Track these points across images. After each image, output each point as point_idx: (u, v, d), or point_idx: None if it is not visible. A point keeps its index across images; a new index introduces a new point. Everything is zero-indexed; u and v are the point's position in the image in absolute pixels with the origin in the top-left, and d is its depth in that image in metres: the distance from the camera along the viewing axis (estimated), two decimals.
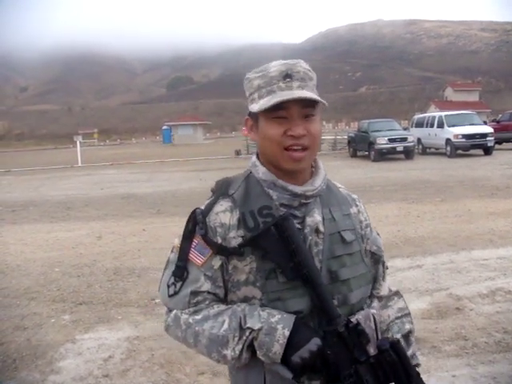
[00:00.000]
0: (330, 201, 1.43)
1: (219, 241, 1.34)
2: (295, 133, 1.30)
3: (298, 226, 1.34)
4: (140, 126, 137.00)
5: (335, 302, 1.32)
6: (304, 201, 1.37)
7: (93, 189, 17.12)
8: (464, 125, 22.66)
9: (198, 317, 1.32)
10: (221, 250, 1.33)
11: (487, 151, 22.52)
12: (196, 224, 1.37)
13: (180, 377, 3.85)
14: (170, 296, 1.37)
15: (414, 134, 24.49)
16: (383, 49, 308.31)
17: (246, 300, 1.32)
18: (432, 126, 24.38)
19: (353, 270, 1.38)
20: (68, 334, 4.79)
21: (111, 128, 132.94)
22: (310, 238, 1.34)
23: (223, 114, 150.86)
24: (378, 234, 1.57)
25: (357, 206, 1.51)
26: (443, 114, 24.89)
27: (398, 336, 1.50)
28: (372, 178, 15.79)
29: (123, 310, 5.37)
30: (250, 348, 1.27)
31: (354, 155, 26.18)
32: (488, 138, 22.20)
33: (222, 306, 1.33)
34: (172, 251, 1.43)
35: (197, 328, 1.31)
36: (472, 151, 22.81)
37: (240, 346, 1.26)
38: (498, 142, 24.95)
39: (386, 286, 1.57)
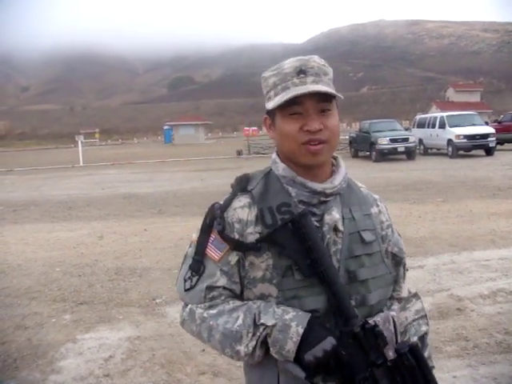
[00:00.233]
0: (351, 200, 1.42)
1: (236, 236, 1.33)
2: (311, 128, 1.29)
3: (317, 223, 1.33)
4: (141, 125, 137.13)
5: (353, 303, 1.30)
6: (323, 198, 1.36)
7: (94, 188, 17.13)
8: (465, 125, 22.65)
9: (213, 311, 1.32)
10: (238, 246, 1.33)
11: (489, 152, 22.50)
12: (214, 219, 1.36)
13: (181, 377, 3.85)
14: (186, 290, 1.37)
15: (415, 135, 24.46)
16: (385, 49, 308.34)
17: (262, 298, 1.31)
18: (434, 126, 24.36)
19: (372, 270, 1.37)
20: (69, 333, 4.79)
21: (113, 128, 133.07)
22: (328, 236, 1.33)
23: (224, 113, 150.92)
24: (400, 235, 1.55)
25: (378, 206, 1.49)
26: (445, 114, 24.87)
27: (415, 339, 1.48)
28: (373, 178, 15.78)
29: (124, 310, 5.37)
30: (264, 345, 1.26)
31: (355, 155, 26.18)
32: (489, 139, 22.19)
33: (238, 302, 1.33)
34: (190, 246, 1.43)
35: (211, 322, 1.31)
36: (474, 152, 22.79)
37: (253, 343, 1.25)
38: (500, 142, 24.94)
39: (405, 288, 1.56)
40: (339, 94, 1.31)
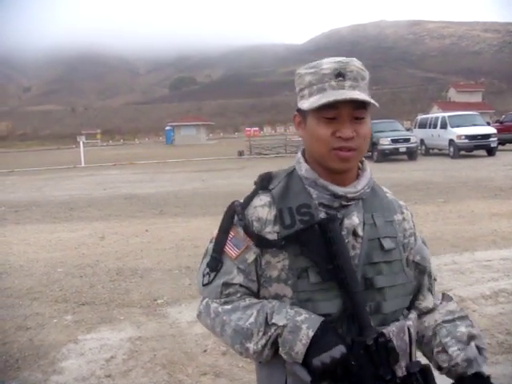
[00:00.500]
0: (374, 205, 1.40)
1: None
2: (344, 135, 1.27)
3: None
4: (143, 126, 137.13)
5: (367, 310, 1.28)
6: (344, 202, 1.34)
7: (96, 189, 17.15)
8: (467, 126, 22.65)
9: (228, 307, 1.33)
10: (261, 242, 1.32)
11: (490, 152, 22.50)
12: (233, 217, 1.36)
13: (182, 377, 3.85)
14: (204, 285, 1.38)
15: (416, 135, 24.47)
16: (386, 49, 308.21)
17: (276, 297, 1.31)
18: (435, 126, 24.36)
19: (390, 278, 1.34)
20: (70, 334, 4.80)
21: (114, 128, 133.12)
22: (347, 240, 1.31)
23: (226, 114, 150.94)
24: (425, 244, 1.51)
25: (402, 213, 1.46)
26: (446, 114, 24.87)
27: (447, 340, 1.40)
28: (375, 178, 15.50)
29: (125, 311, 5.37)
30: (274, 345, 1.26)
31: None
32: (491, 139, 22.19)
33: (254, 300, 1.33)
34: (211, 241, 1.43)
35: (224, 318, 1.32)
36: (475, 152, 22.79)
37: (263, 341, 1.25)
38: (501, 142, 24.95)
39: (430, 299, 1.50)
40: (375, 103, 1.29)
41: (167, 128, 69.59)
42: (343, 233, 1.31)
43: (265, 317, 1.26)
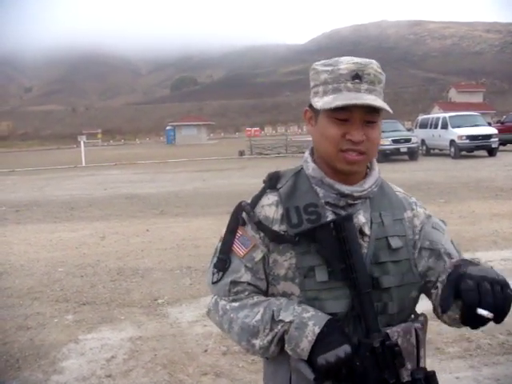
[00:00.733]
0: (382, 204, 1.39)
1: (261, 234, 1.34)
2: (354, 138, 1.26)
3: None
4: (144, 126, 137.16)
5: (375, 310, 1.27)
6: (351, 201, 1.34)
7: (96, 189, 17.15)
8: (468, 126, 22.64)
9: (235, 304, 1.34)
10: (275, 237, 1.32)
11: (491, 152, 22.49)
12: (240, 216, 1.37)
13: (183, 377, 3.85)
14: (213, 283, 1.39)
15: (417, 135, 24.47)
16: (387, 50, 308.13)
17: (284, 295, 1.32)
18: (436, 127, 24.35)
19: (397, 278, 1.32)
20: (71, 334, 4.80)
21: (115, 128, 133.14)
22: None
23: (227, 114, 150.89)
24: (438, 227, 1.43)
25: (412, 210, 1.44)
26: (447, 115, 24.86)
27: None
28: None
29: (126, 311, 5.38)
30: (281, 342, 1.26)
31: None
32: (492, 139, 22.18)
33: (262, 297, 1.34)
34: (220, 240, 1.43)
35: (232, 315, 1.33)
36: (476, 152, 22.79)
37: (270, 337, 1.26)
38: (502, 143, 24.90)
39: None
40: (389, 109, 1.27)
41: (168, 128, 69.62)
42: None
43: (271, 314, 1.26)
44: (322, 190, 1.35)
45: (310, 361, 1.20)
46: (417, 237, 1.40)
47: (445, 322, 1.32)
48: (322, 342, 1.19)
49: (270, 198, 1.37)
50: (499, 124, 27.48)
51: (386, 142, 22.38)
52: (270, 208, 1.35)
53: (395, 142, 22.40)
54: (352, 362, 1.18)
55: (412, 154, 22.88)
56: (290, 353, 1.25)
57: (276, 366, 1.36)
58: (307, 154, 1.43)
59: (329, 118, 1.29)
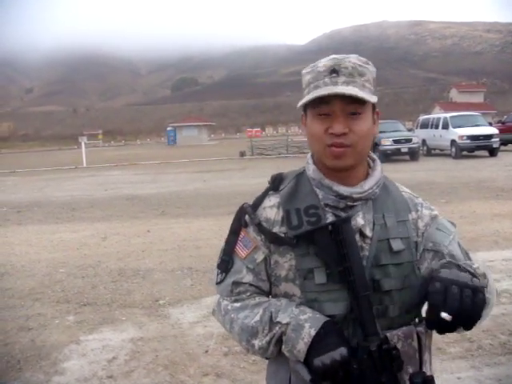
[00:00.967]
0: (386, 205, 1.37)
1: (262, 236, 1.35)
2: (334, 130, 1.26)
3: None
4: (144, 127, 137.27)
5: (374, 313, 1.25)
6: (350, 203, 1.32)
7: (97, 190, 17.16)
8: (469, 126, 22.62)
9: (237, 305, 1.36)
10: (274, 239, 1.33)
11: (492, 152, 22.47)
12: (243, 218, 1.38)
13: (184, 378, 3.85)
14: (217, 283, 1.41)
15: (418, 136, 24.45)
16: (388, 50, 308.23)
17: (286, 296, 1.33)
18: (437, 127, 24.34)
19: (398, 281, 1.31)
20: (72, 334, 4.80)
21: (116, 129, 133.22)
22: None
23: (228, 115, 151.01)
24: (443, 229, 1.40)
25: (417, 211, 1.41)
26: (448, 115, 24.85)
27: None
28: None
29: (127, 311, 5.38)
30: (279, 343, 1.27)
31: None
32: (493, 140, 22.16)
33: (263, 298, 1.35)
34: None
35: (232, 315, 1.35)
36: (477, 152, 22.77)
37: (268, 338, 1.27)
38: (503, 143, 24.88)
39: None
40: (368, 97, 1.25)
41: (169, 129, 69.64)
42: None
43: (270, 315, 1.27)
44: (321, 191, 1.35)
45: (307, 362, 1.20)
46: (420, 239, 1.38)
47: None
48: (319, 344, 1.19)
49: (272, 200, 1.38)
50: (500, 124, 27.45)
51: (386, 143, 22.40)
52: (271, 210, 1.36)
53: (396, 142, 22.40)
54: (349, 365, 1.17)
55: (413, 155, 22.88)
56: (287, 354, 1.25)
57: (278, 365, 1.37)
58: (309, 155, 1.43)
59: (313, 116, 1.30)
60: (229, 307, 1.37)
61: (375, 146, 22.79)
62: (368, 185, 1.35)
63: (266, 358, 1.40)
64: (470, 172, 16.76)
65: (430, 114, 39.99)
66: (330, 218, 1.31)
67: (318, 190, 1.35)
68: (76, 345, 4.57)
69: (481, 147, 22.27)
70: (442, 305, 1.06)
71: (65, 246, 8.54)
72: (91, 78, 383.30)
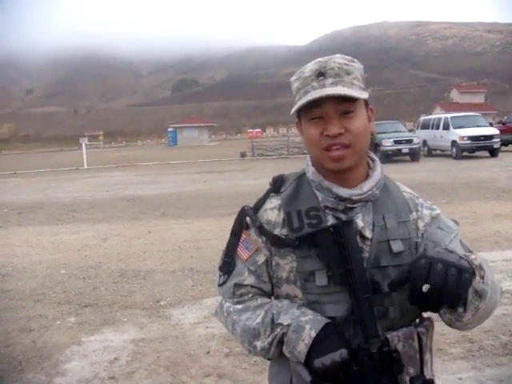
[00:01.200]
0: (386, 206, 1.36)
1: (263, 238, 1.35)
2: (330, 132, 1.26)
3: None
4: (145, 128, 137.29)
5: (374, 315, 1.25)
6: (350, 205, 1.32)
7: (98, 191, 17.17)
8: (469, 127, 22.62)
9: (239, 307, 1.36)
10: (276, 241, 1.34)
11: (493, 153, 22.47)
12: (243, 221, 1.38)
13: (185, 379, 3.85)
14: (219, 285, 1.42)
15: (419, 136, 24.45)
16: (388, 50, 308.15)
17: (288, 297, 1.33)
18: (438, 127, 24.34)
19: None
20: (73, 336, 4.80)
21: (116, 130, 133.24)
22: None
23: (228, 116, 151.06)
24: (444, 228, 1.38)
25: (418, 211, 1.40)
26: (449, 115, 24.86)
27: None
28: None
29: (128, 312, 5.38)
30: (281, 344, 1.28)
31: None
32: (494, 140, 22.15)
33: (265, 300, 1.36)
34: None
35: (234, 317, 1.36)
36: (478, 153, 22.76)
37: (270, 340, 1.28)
38: (504, 143, 24.87)
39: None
40: (358, 94, 1.25)
41: (169, 129, 69.64)
42: None
43: (271, 317, 1.28)
44: (321, 193, 1.35)
45: (308, 363, 1.21)
46: (419, 240, 1.37)
47: (446, 323, 1.31)
48: (319, 345, 1.19)
49: (273, 202, 1.38)
50: (501, 124, 27.43)
51: (387, 143, 22.40)
52: (272, 212, 1.36)
53: (397, 142, 22.41)
54: (349, 367, 1.17)
55: (414, 155, 22.88)
56: (287, 355, 1.26)
57: (279, 366, 1.38)
58: (309, 157, 1.43)
59: (307, 121, 1.31)
60: (231, 309, 1.37)
61: (376, 146, 22.82)
62: (367, 186, 1.34)
63: (268, 359, 1.40)
64: (470, 172, 16.76)
65: (430, 114, 40.01)
66: (331, 220, 1.31)
67: (317, 192, 1.35)
68: (77, 346, 4.57)
69: (481, 148, 22.27)
70: (425, 279, 1.06)
71: (66, 248, 8.55)
72: (92, 79, 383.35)
